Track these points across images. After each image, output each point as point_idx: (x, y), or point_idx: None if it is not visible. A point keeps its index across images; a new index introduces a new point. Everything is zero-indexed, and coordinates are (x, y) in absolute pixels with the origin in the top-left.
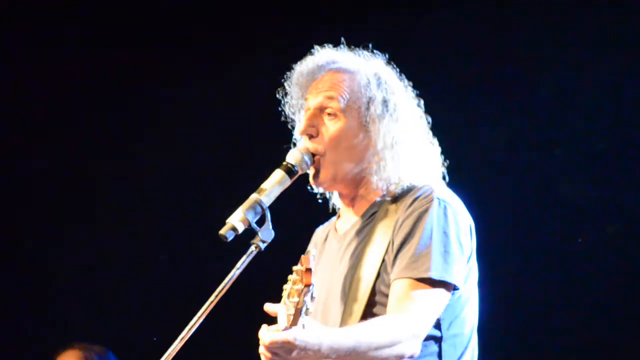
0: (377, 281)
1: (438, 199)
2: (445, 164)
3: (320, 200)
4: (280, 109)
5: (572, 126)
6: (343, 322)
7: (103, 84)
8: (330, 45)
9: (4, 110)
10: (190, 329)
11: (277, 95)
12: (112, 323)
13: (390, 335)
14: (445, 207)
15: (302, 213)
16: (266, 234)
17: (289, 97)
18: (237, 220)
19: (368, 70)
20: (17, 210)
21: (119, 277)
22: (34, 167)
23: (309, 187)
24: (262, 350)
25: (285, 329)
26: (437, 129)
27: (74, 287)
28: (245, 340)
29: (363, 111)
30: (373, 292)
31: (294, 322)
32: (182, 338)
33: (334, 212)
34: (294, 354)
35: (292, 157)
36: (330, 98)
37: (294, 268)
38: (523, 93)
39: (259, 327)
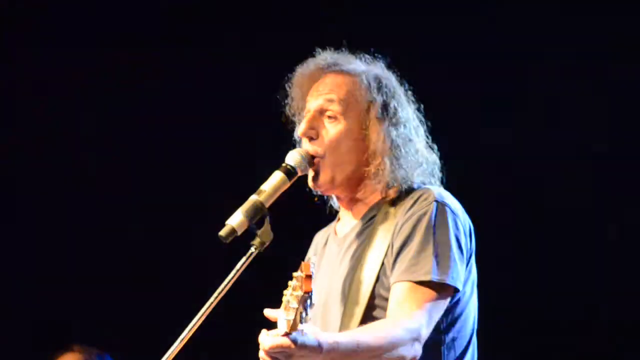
0: (376, 284)
1: (437, 201)
2: (445, 167)
3: (317, 202)
4: (280, 110)
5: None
6: (343, 325)
7: (103, 84)
8: (332, 48)
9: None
10: (189, 331)
11: (278, 97)
12: (112, 325)
13: (390, 338)
14: (444, 210)
15: (301, 214)
16: (265, 236)
17: (289, 98)
18: (237, 221)
19: (369, 73)
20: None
21: (118, 278)
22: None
23: (307, 189)
24: (262, 355)
25: (285, 334)
26: (436, 132)
27: (74, 287)
28: (245, 343)
29: (363, 114)
30: (372, 296)
31: (294, 328)
32: (182, 340)
33: (333, 215)
34: (294, 359)
35: (292, 158)
36: (331, 101)
37: (294, 274)
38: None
39: (258, 330)
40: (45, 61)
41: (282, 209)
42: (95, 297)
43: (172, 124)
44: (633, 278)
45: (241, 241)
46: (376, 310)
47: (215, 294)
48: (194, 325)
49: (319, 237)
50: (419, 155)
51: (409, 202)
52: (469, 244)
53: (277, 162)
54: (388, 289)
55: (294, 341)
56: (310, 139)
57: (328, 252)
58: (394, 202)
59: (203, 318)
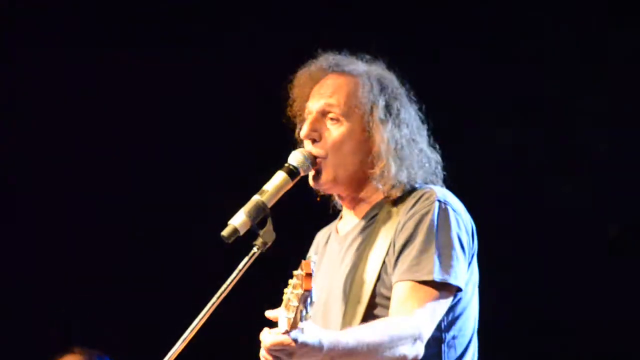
0: (377, 283)
1: (439, 200)
2: (446, 167)
3: (319, 201)
4: (282, 111)
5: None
6: (344, 323)
7: (103, 84)
8: (334, 49)
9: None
10: (192, 331)
11: (280, 98)
12: (112, 325)
13: (392, 337)
14: (446, 209)
15: (303, 214)
16: (268, 236)
17: (291, 99)
18: (239, 221)
19: (371, 74)
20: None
21: (119, 279)
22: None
23: (309, 188)
24: (262, 353)
25: (286, 332)
26: (437, 132)
27: (74, 288)
28: (246, 342)
29: (366, 116)
30: (373, 294)
31: (294, 326)
32: (184, 340)
33: (335, 214)
34: (295, 356)
35: (294, 158)
36: (333, 102)
37: (295, 272)
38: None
39: (260, 329)
40: (46, 61)
41: (284, 209)
42: (95, 297)
43: (172, 124)
44: (633, 278)
45: (243, 241)
46: (377, 308)
47: (218, 294)
48: (196, 325)
49: (321, 236)
50: (422, 155)
51: (411, 201)
52: (471, 243)
53: (279, 162)
54: (389, 288)
55: (295, 339)
56: (313, 141)
57: (329, 251)
58: (396, 202)
59: (205, 318)
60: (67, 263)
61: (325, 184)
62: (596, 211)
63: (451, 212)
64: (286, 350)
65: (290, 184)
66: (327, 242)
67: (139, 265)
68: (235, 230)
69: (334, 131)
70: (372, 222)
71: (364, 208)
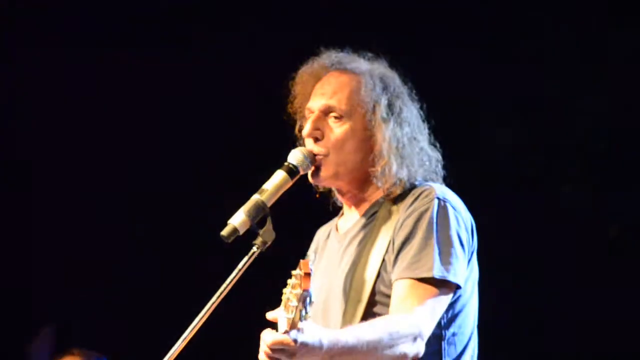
0: (377, 281)
1: (439, 198)
2: (447, 165)
3: (317, 196)
4: (283, 111)
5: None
6: (344, 321)
7: (103, 84)
8: (334, 49)
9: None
10: (191, 330)
11: (280, 98)
12: (112, 326)
13: (392, 335)
14: (445, 206)
15: (303, 213)
16: (267, 235)
17: (292, 96)
18: (239, 221)
19: (373, 72)
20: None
21: (119, 279)
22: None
23: (308, 184)
24: (262, 357)
25: (285, 332)
26: (437, 132)
27: (75, 289)
28: (246, 342)
29: (368, 114)
30: (373, 292)
31: (294, 326)
32: (184, 340)
33: (335, 212)
34: (295, 357)
35: (294, 157)
36: (335, 101)
37: (293, 272)
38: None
39: (259, 330)
40: (46, 61)
41: (284, 208)
42: (95, 297)
43: (172, 124)
44: (633, 278)
45: (243, 241)
46: (377, 306)
47: (217, 294)
48: (196, 325)
49: (321, 233)
50: (423, 154)
51: (410, 198)
52: (470, 240)
53: (279, 162)
54: (389, 286)
55: (294, 339)
56: (316, 139)
57: (329, 249)
58: (397, 199)
59: (205, 318)
60: (67, 263)
61: (325, 180)
62: (596, 211)
63: (450, 210)
64: (286, 351)
65: (290, 183)
66: (327, 238)
67: (139, 265)
68: (235, 230)
69: (337, 129)
70: (371, 219)
71: (364, 206)
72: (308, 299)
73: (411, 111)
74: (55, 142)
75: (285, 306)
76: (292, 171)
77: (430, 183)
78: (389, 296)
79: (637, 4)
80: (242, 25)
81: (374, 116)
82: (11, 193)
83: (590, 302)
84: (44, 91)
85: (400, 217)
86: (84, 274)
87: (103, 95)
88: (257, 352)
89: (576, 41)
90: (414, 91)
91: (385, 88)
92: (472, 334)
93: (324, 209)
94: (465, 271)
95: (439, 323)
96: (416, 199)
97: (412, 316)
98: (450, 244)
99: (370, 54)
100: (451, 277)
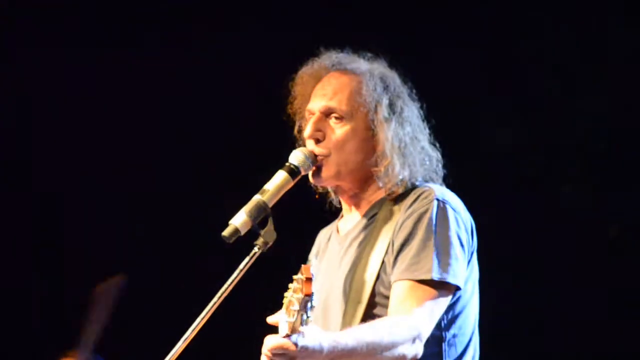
0: (377, 282)
1: (438, 199)
2: (447, 165)
3: (316, 196)
4: (283, 109)
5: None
6: (344, 322)
7: (103, 84)
8: (334, 49)
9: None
10: (192, 331)
11: (280, 98)
12: (112, 326)
13: (391, 337)
14: (445, 207)
15: (304, 214)
16: (269, 236)
17: (292, 97)
18: (240, 221)
19: (374, 72)
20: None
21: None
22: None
23: (309, 185)
24: (264, 356)
25: (286, 336)
26: (437, 132)
27: (74, 289)
28: (247, 343)
29: (370, 114)
30: (373, 294)
31: (295, 330)
32: (185, 340)
33: (335, 213)
34: None
35: (295, 158)
36: (336, 101)
37: (295, 277)
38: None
39: (260, 331)
40: (46, 61)
41: (285, 208)
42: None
43: (172, 124)
44: (633, 278)
45: (244, 241)
46: (377, 308)
47: (219, 294)
48: (197, 325)
49: (322, 235)
50: (423, 153)
51: (410, 199)
52: (470, 241)
53: (279, 162)
54: (388, 287)
55: (295, 343)
56: (317, 141)
57: (330, 250)
58: (396, 200)
59: (207, 319)
60: (67, 263)
61: (326, 180)
62: (596, 211)
63: (450, 211)
64: (287, 354)
65: (291, 184)
66: (328, 241)
67: (139, 265)
68: (236, 230)
69: (338, 130)
70: (372, 221)
71: (364, 207)
72: (309, 304)
73: (412, 111)
74: (55, 142)
75: (286, 310)
76: (293, 171)
77: (430, 184)
78: (388, 298)
79: (636, 4)
80: (242, 25)
81: (376, 116)
82: (11, 193)
83: (591, 302)
84: (44, 91)
85: (399, 218)
86: (84, 274)
87: (103, 95)
88: (258, 353)
89: (576, 41)
90: (414, 91)
91: (386, 88)
92: (472, 334)
93: (325, 209)
94: (465, 272)
95: (439, 324)
96: (415, 199)
97: (411, 318)
98: (449, 245)
99: (370, 54)
100: (450, 279)
